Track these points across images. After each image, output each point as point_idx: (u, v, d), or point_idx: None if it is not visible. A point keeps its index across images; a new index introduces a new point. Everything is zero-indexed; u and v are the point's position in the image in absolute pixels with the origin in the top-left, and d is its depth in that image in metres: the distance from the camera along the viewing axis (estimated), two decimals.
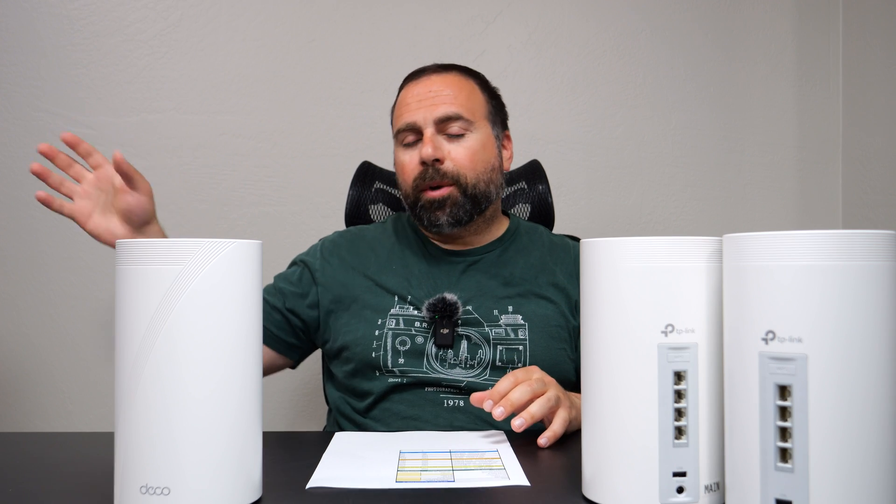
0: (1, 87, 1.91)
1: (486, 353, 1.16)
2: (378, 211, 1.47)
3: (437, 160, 1.17)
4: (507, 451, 0.89)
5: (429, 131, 1.18)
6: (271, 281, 1.30)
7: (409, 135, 1.21)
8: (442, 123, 1.19)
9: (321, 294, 1.23)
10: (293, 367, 1.31)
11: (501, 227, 1.30)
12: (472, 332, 1.17)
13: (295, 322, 1.24)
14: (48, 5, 1.91)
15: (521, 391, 0.94)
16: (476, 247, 1.26)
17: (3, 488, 0.76)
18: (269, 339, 1.24)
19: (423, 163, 1.17)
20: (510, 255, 1.26)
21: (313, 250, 1.29)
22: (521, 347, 1.16)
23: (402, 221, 1.32)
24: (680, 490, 0.66)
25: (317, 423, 1.89)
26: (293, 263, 1.30)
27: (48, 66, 1.91)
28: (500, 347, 1.16)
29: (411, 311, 1.19)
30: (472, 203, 1.19)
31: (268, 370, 1.26)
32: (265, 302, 1.23)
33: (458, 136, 1.20)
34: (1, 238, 1.91)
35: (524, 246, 1.28)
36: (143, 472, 0.65)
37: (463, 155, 1.19)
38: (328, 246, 1.28)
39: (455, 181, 1.18)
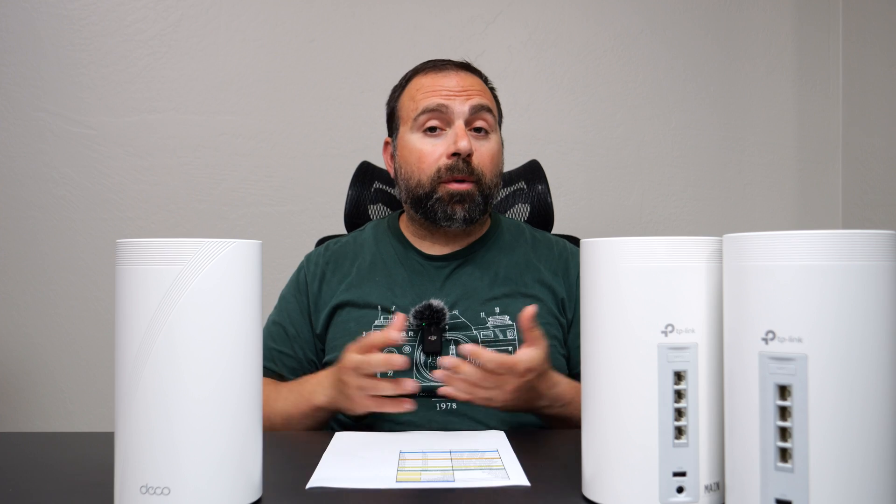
0: (1, 87, 1.91)
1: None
2: (377, 211, 1.47)
3: (469, 154, 1.16)
4: (507, 451, 0.89)
5: (460, 124, 1.16)
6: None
7: (433, 118, 1.17)
8: (474, 114, 1.18)
9: (315, 321, 1.22)
10: None
11: (484, 225, 1.28)
12: (461, 337, 1.15)
13: (316, 361, 1.23)
14: (48, 5, 1.91)
15: (474, 374, 0.96)
16: (459, 249, 1.24)
17: (3, 488, 0.76)
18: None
19: (455, 155, 1.15)
20: (493, 255, 1.24)
21: (299, 278, 1.27)
22: (510, 348, 1.15)
23: (383, 228, 1.30)
24: (680, 490, 0.66)
25: None
26: (285, 299, 1.27)
27: (48, 66, 1.91)
28: (489, 349, 1.15)
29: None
30: (485, 203, 1.19)
31: None
32: (279, 353, 1.22)
33: (483, 136, 1.19)
34: (1, 238, 1.91)
35: (507, 244, 1.26)
36: (143, 472, 0.65)
37: (486, 155, 1.19)
38: (312, 269, 1.26)
39: (478, 179, 1.17)
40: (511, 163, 1.60)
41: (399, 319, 0.98)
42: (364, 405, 0.99)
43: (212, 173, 1.93)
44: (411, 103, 1.20)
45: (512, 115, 1.98)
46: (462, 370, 0.96)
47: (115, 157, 1.92)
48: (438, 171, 1.16)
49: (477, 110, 1.18)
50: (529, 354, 0.97)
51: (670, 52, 2.00)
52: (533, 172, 1.50)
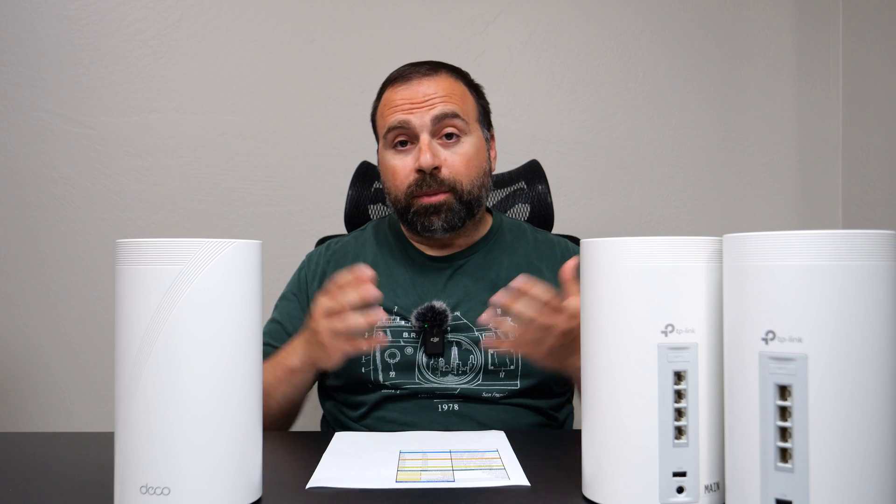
0: (1, 87, 1.91)
1: (477, 358, 1.15)
2: (377, 210, 1.47)
3: (436, 168, 1.15)
4: (507, 451, 0.89)
5: (425, 137, 1.15)
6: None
7: (400, 134, 1.17)
8: (438, 123, 1.15)
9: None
10: None
11: (485, 226, 1.27)
12: (462, 338, 1.16)
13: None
14: (48, 5, 1.91)
15: (528, 306, 0.93)
16: (460, 250, 1.24)
17: (3, 488, 0.76)
18: None
19: (420, 171, 1.15)
20: (495, 256, 1.24)
21: (300, 277, 1.27)
22: (511, 350, 1.15)
23: (384, 228, 1.30)
24: (680, 490, 0.66)
25: (316, 424, 1.89)
26: (285, 297, 1.27)
27: (48, 66, 1.91)
28: (490, 351, 1.15)
29: (398, 321, 1.17)
30: (467, 209, 1.18)
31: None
32: (273, 348, 1.20)
33: (454, 142, 1.17)
34: (1, 238, 1.91)
35: (508, 244, 1.26)
36: (143, 472, 0.65)
37: (459, 162, 1.16)
38: (313, 268, 1.26)
39: (451, 188, 1.16)
40: (511, 163, 1.60)
41: (363, 268, 0.97)
42: (338, 349, 0.99)
43: (212, 173, 1.93)
44: (381, 119, 1.21)
45: (512, 115, 1.98)
46: (532, 291, 0.92)
47: (115, 157, 1.92)
48: (409, 186, 1.16)
49: (440, 119, 1.15)
50: (577, 301, 0.92)
51: (670, 52, 2.00)
52: (533, 172, 1.50)
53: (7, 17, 1.90)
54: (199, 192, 1.93)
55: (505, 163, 1.67)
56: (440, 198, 1.16)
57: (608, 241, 0.68)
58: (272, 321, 1.26)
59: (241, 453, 0.69)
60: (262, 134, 1.94)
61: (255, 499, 0.70)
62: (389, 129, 1.17)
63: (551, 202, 1.47)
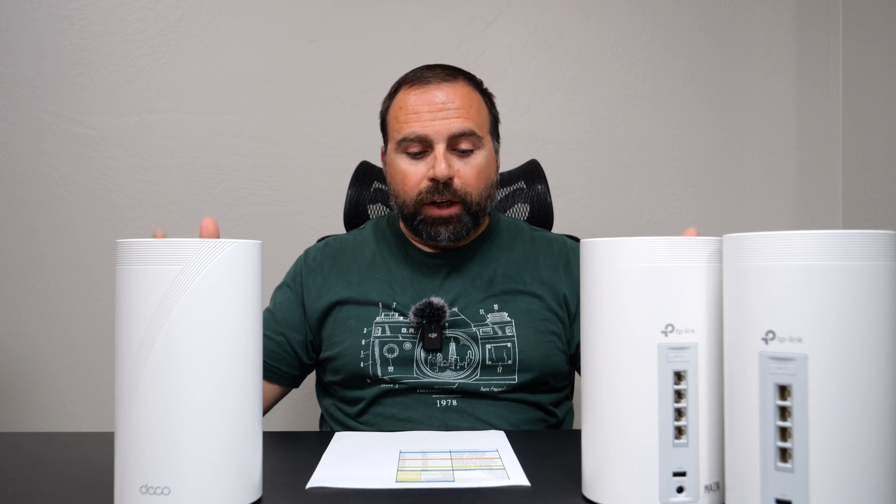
0: (1, 87, 1.91)
1: (475, 354, 1.16)
2: (377, 211, 1.47)
3: (449, 178, 1.15)
4: (507, 451, 0.89)
5: (441, 148, 1.15)
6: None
7: (415, 145, 1.17)
8: (454, 139, 1.16)
9: (309, 313, 1.23)
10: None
11: (483, 224, 1.28)
12: (460, 334, 1.17)
13: (299, 351, 1.24)
14: (48, 5, 1.91)
15: None
16: (458, 248, 1.24)
17: (3, 488, 0.76)
18: (275, 375, 1.24)
19: (433, 179, 1.15)
20: (492, 253, 1.25)
21: (296, 270, 1.28)
22: (509, 344, 1.16)
23: (382, 226, 1.30)
24: (680, 490, 0.66)
25: (315, 423, 1.89)
26: (279, 288, 1.29)
27: (48, 66, 1.91)
28: (488, 346, 1.16)
29: (397, 317, 1.18)
30: (474, 220, 1.19)
31: (272, 404, 1.27)
32: (266, 338, 1.22)
33: (467, 154, 1.17)
34: (1, 238, 1.91)
35: (505, 242, 1.27)
36: (143, 472, 0.65)
37: (471, 174, 1.17)
38: (310, 263, 1.27)
39: (462, 200, 1.17)
40: (511, 163, 1.60)
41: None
42: None
43: (212, 173, 1.93)
44: (395, 123, 1.20)
45: (512, 115, 1.98)
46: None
47: (115, 157, 1.92)
48: (420, 193, 1.16)
49: (457, 137, 1.16)
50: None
51: (670, 52, 2.00)
52: (533, 172, 1.50)
53: (7, 17, 1.90)
54: (199, 192, 1.93)
55: (505, 162, 1.67)
56: (451, 210, 1.17)
57: (608, 241, 0.68)
58: (265, 310, 1.27)
59: (241, 453, 0.69)
60: (262, 134, 1.94)
61: (255, 499, 0.70)
62: (405, 139, 1.17)
63: (551, 202, 1.47)
